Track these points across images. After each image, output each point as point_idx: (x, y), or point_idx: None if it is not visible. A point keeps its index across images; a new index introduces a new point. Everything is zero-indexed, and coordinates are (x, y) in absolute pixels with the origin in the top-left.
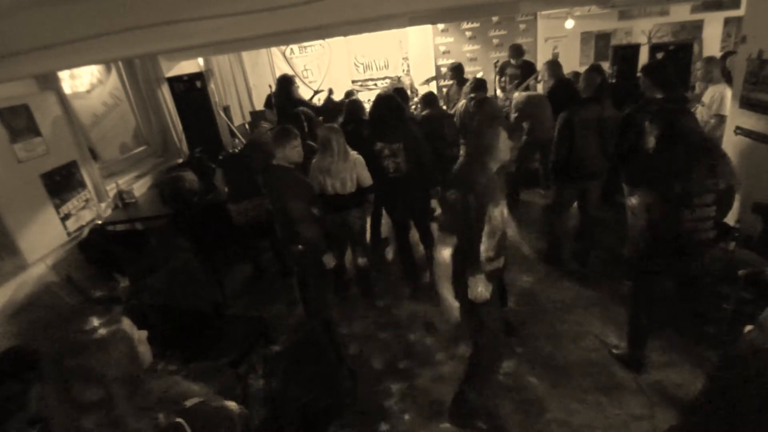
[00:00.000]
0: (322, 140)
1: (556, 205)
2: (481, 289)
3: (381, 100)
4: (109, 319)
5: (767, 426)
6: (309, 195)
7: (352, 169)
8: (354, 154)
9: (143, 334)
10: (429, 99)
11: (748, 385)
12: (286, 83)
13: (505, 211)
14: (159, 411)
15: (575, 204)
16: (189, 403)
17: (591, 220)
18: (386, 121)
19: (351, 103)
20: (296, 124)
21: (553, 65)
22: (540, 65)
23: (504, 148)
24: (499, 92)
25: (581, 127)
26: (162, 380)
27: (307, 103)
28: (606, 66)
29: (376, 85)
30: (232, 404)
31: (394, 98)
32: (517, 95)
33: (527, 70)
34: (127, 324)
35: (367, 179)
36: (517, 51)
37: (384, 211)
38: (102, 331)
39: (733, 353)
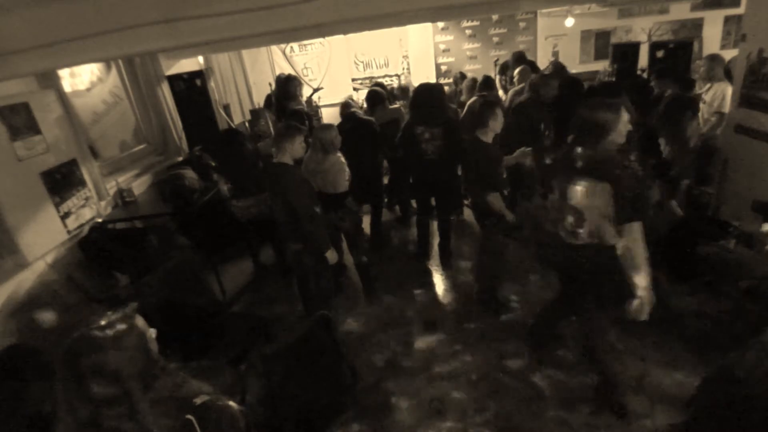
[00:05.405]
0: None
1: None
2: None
3: (425, 87)
4: (123, 315)
5: None
6: (311, 192)
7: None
8: (337, 156)
9: (153, 331)
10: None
11: (740, 400)
12: (285, 83)
13: None
14: (170, 406)
15: None
16: (198, 400)
17: None
18: (429, 106)
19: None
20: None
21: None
22: (540, 64)
23: None
24: (500, 92)
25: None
26: (172, 377)
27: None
28: (606, 64)
29: None
30: (232, 404)
31: (437, 85)
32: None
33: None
34: (140, 321)
35: (341, 185)
36: (518, 60)
37: (383, 209)
38: (117, 327)
39: (728, 364)
